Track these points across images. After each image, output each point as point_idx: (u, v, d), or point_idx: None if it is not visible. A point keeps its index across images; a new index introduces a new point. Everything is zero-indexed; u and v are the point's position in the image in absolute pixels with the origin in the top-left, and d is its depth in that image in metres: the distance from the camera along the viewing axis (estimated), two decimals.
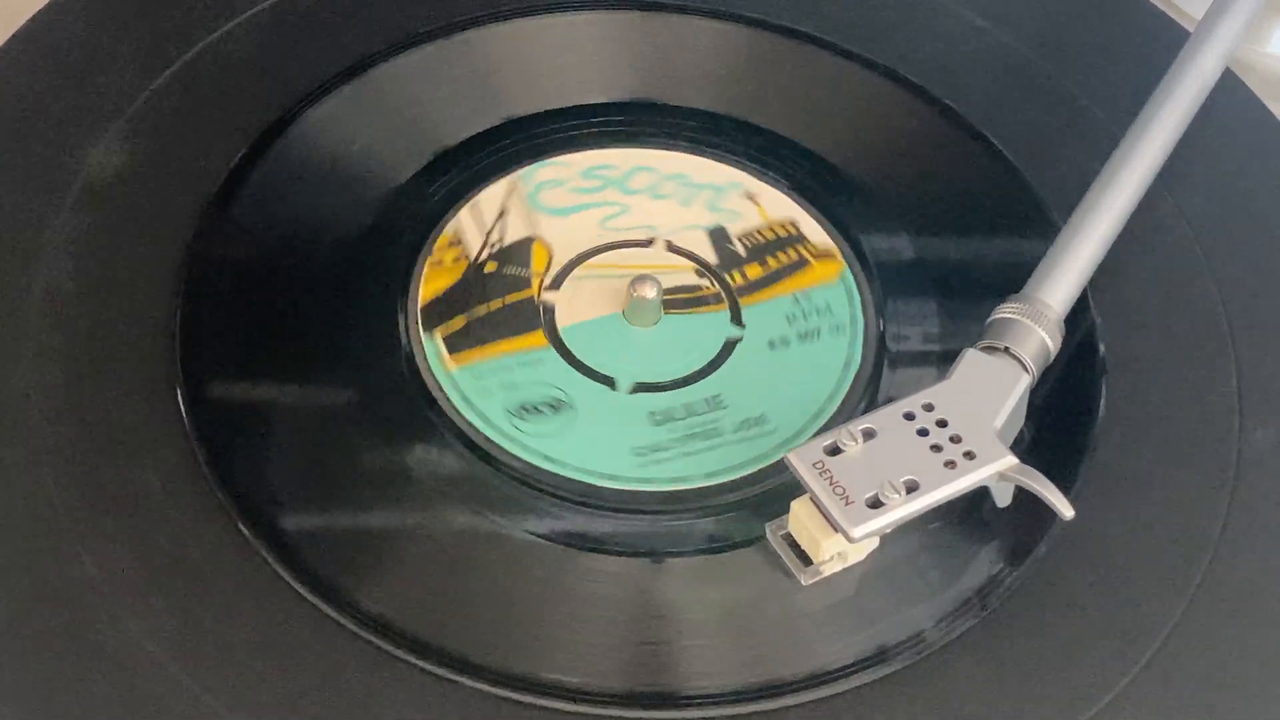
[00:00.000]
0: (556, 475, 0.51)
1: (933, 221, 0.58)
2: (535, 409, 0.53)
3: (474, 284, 0.56)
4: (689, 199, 0.58)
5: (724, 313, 0.55)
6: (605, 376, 0.54)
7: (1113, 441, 0.52)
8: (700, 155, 0.60)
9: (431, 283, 0.55)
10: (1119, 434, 0.52)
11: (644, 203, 0.58)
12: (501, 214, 0.58)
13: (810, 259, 0.56)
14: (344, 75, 0.59)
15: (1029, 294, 0.52)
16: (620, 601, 0.48)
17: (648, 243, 0.57)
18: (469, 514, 0.49)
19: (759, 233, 0.57)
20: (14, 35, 0.59)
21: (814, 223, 0.58)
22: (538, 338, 0.55)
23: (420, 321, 0.54)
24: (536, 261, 0.57)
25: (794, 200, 0.58)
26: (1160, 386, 0.54)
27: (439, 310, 0.55)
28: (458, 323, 0.55)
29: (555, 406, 0.53)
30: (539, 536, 0.49)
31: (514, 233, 0.57)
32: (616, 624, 0.48)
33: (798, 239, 0.57)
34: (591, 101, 0.61)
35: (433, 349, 0.54)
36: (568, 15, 0.62)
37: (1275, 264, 0.57)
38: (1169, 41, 0.61)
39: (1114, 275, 0.55)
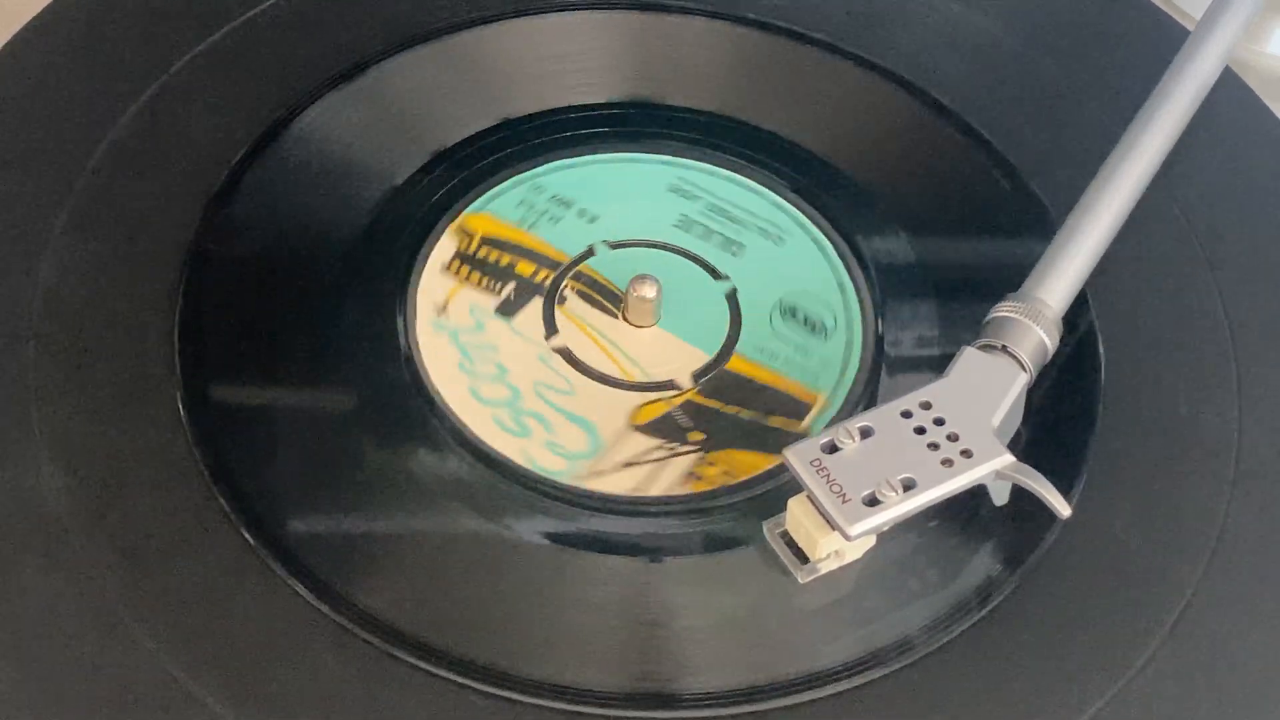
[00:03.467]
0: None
1: (931, 221, 0.58)
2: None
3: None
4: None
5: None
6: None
7: (1112, 441, 0.52)
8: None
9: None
10: (1118, 434, 0.52)
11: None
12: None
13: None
14: (344, 75, 0.59)
15: (1027, 292, 0.52)
16: (620, 601, 0.48)
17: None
18: (469, 514, 0.49)
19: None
20: (14, 36, 0.59)
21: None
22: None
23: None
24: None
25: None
26: (1160, 386, 0.53)
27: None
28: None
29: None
30: (539, 536, 0.49)
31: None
32: (616, 624, 0.48)
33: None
34: (591, 101, 0.61)
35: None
36: (567, 15, 0.62)
37: (1275, 264, 0.57)
38: (1169, 41, 0.61)
39: (1113, 275, 0.55)
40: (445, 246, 0.56)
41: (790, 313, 0.56)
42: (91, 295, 0.52)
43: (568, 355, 0.54)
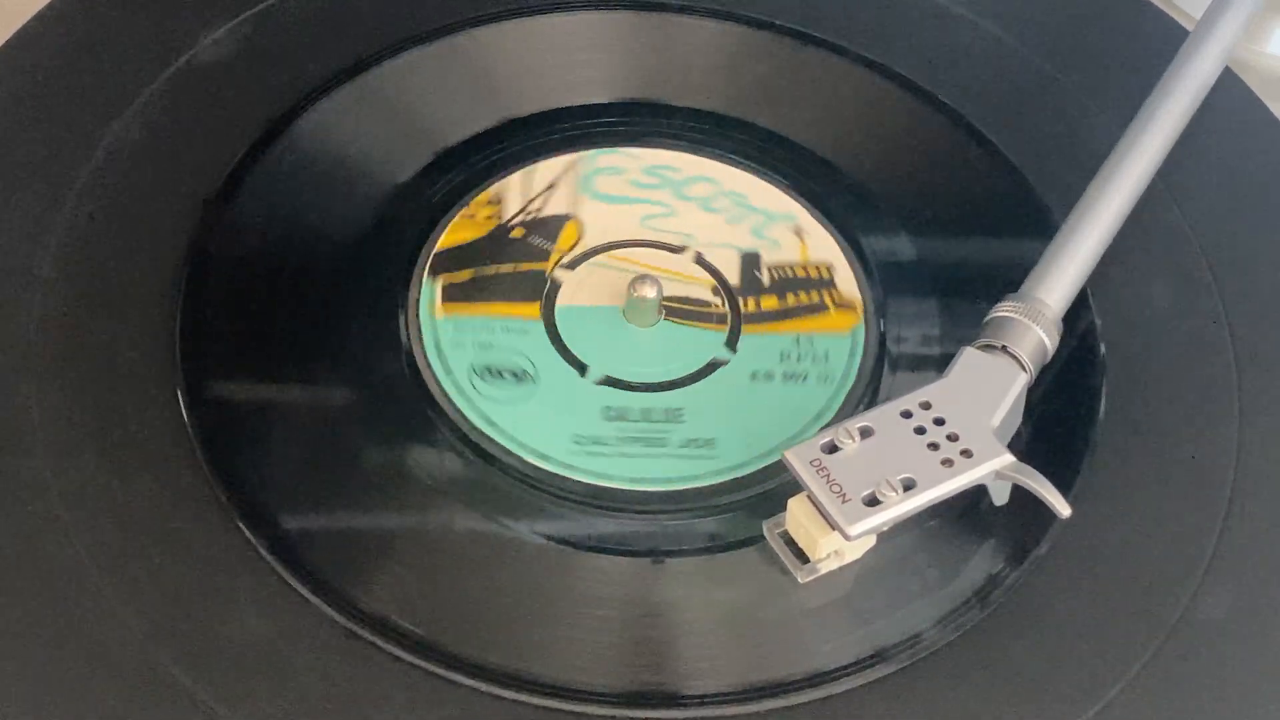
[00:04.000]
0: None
1: (933, 221, 0.58)
2: (499, 373, 0.53)
3: (495, 244, 0.56)
4: (738, 219, 0.58)
5: (721, 334, 0.55)
6: (579, 362, 0.54)
7: (1112, 441, 0.52)
8: (766, 180, 0.59)
9: (456, 233, 0.56)
10: (1119, 434, 0.52)
11: (692, 211, 0.58)
12: (550, 186, 0.58)
13: (830, 306, 0.56)
14: (344, 75, 0.59)
15: (1027, 292, 0.52)
16: (620, 601, 0.48)
17: (679, 249, 0.57)
18: (470, 514, 0.49)
19: (791, 268, 0.57)
20: (14, 35, 0.59)
21: (850, 273, 0.57)
22: (532, 309, 0.55)
23: (429, 264, 0.55)
24: (564, 239, 0.57)
25: (840, 246, 0.57)
26: (1160, 386, 0.54)
27: (451, 259, 0.56)
28: (463, 275, 0.55)
29: (519, 376, 0.53)
30: (539, 536, 0.49)
31: (554, 207, 0.58)
32: (616, 624, 0.48)
33: (826, 284, 0.56)
34: (591, 101, 0.61)
35: (429, 293, 0.55)
36: (567, 15, 0.62)
37: (1275, 263, 0.57)
38: (1168, 40, 0.61)
39: (1114, 275, 0.55)
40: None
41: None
42: (92, 295, 0.52)
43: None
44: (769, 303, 0.56)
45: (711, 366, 0.54)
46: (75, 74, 0.58)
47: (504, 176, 0.58)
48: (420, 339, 0.54)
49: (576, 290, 0.56)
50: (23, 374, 0.50)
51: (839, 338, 0.55)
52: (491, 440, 0.51)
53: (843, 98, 0.61)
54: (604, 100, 0.61)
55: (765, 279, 0.56)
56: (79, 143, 0.56)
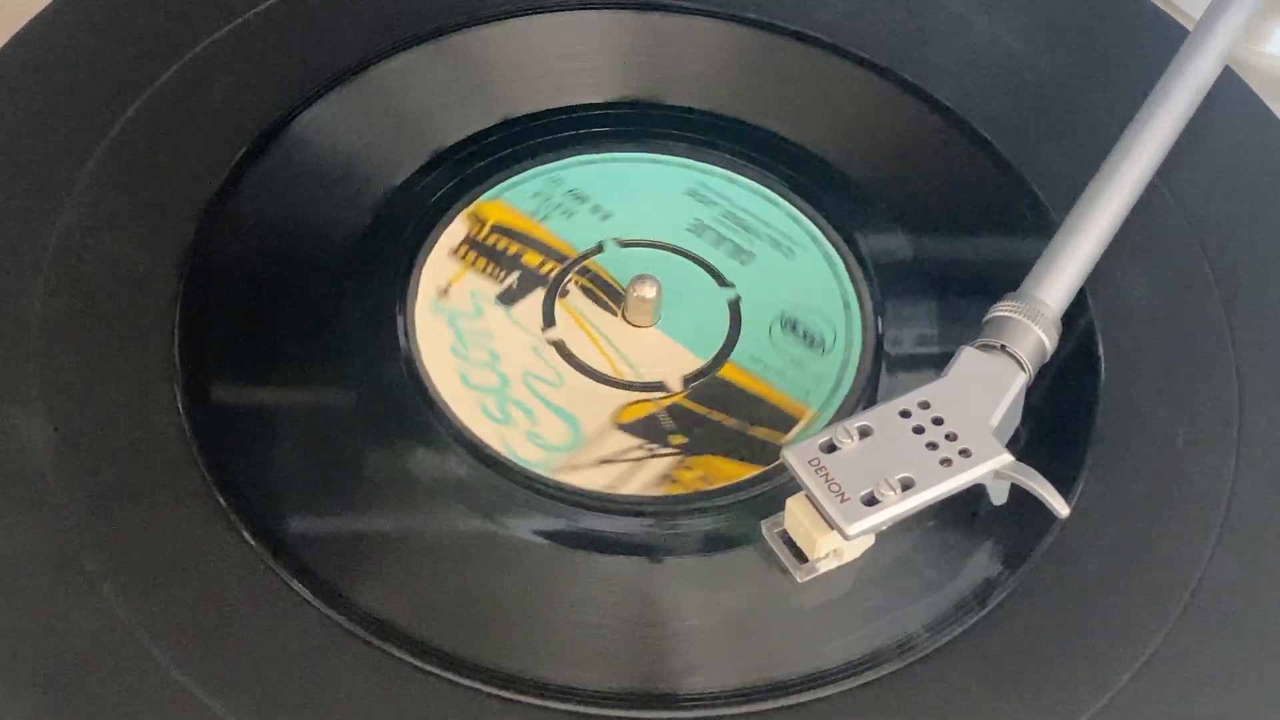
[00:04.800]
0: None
1: (931, 221, 0.58)
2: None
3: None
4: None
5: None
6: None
7: (1111, 441, 0.52)
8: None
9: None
10: (1117, 434, 0.52)
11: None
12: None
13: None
14: (344, 75, 0.59)
15: (1026, 292, 0.52)
16: (619, 602, 0.48)
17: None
18: (469, 514, 0.49)
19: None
20: (15, 35, 0.59)
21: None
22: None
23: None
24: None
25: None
26: (1159, 385, 0.53)
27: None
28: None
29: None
30: (539, 537, 0.49)
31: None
32: (616, 624, 0.48)
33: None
34: (591, 101, 0.61)
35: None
36: (567, 15, 0.62)
37: (1275, 263, 0.57)
38: (1168, 40, 0.61)
39: (1113, 274, 0.55)
40: (456, 231, 0.57)
41: (790, 325, 0.55)
42: (92, 295, 0.53)
43: (561, 348, 0.54)
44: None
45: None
46: (75, 74, 0.58)
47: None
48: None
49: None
50: (23, 373, 0.50)
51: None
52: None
53: (842, 98, 0.61)
54: (603, 100, 0.61)
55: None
56: (79, 143, 0.56)
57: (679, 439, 0.52)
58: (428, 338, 0.54)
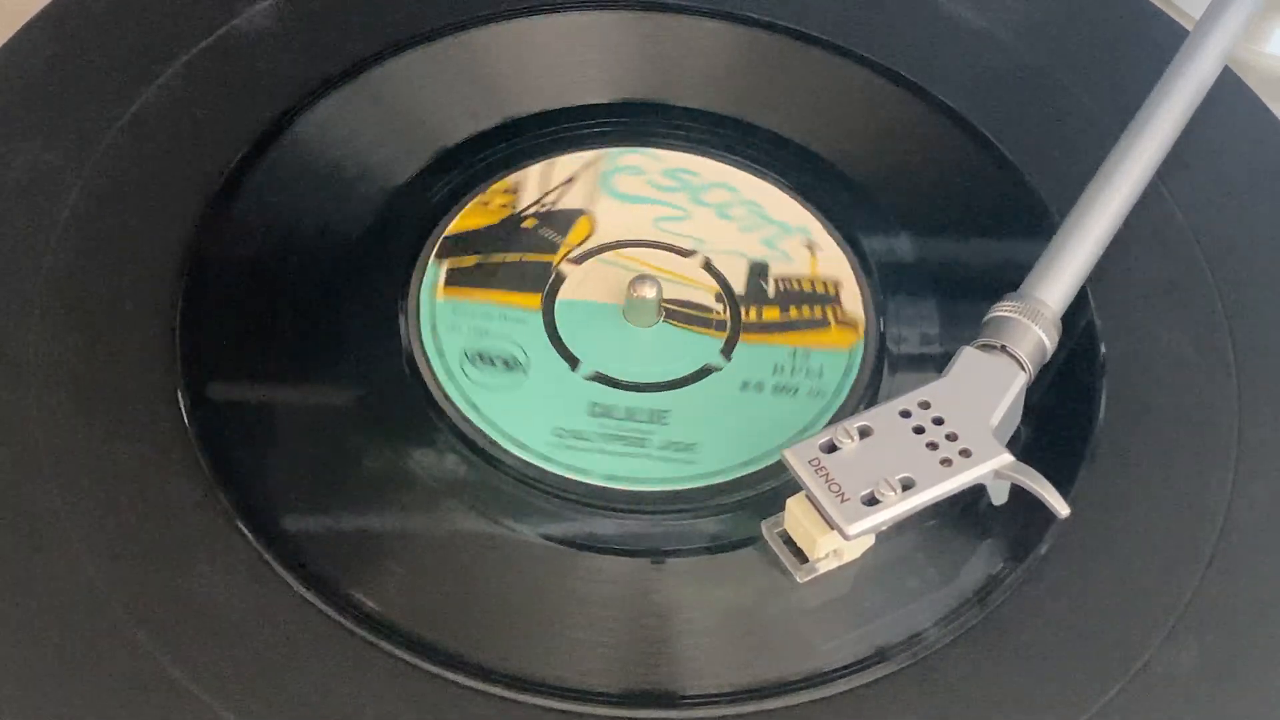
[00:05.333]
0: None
1: (932, 221, 0.58)
2: (490, 360, 0.53)
3: (506, 233, 0.57)
4: (751, 227, 0.58)
5: (719, 340, 0.55)
6: (572, 355, 0.54)
7: (1112, 441, 0.52)
8: (786, 192, 0.59)
9: (469, 218, 0.57)
10: (1118, 434, 0.52)
11: (708, 216, 0.58)
12: (569, 180, 0.58)
13: (832, 322, 0.55)
14: (344, 75, 0.59)
15: (1026, 292, 0.52)
16: (620, 601, 0.48)
17: (688, 253, 0.57)
18: (470, 514, 0.49)
19: (798, 281, 0.56)
20: (15, 35, 0.59)
21: (857, 291, 0.56)
22: (533, 300, 0.55)
23: (437, 247, 0.56)
24: (575, 233, 0.57)
25: (850, 264, 0.57)
26: (1160, 385, 0.53)
27: (460, 244, 0.56)
28: (469, 260, 0.56)
29: (509, 365, 0.53)
30: (539, 536, 0.49)
31: (570, 201, 0.58)
32: (616, 624, 0.48)
33: (831, 300, 0.56)
34: (591, 101, 0.61)
35: (433, 275, 0.55)
36: (568, 15, 0.62)
37: (1275, 263, 0.57)
38: (1168, 40, 0.61)
39: (1114, 274, 0.55)
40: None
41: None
42: (92, 295, 0.53)
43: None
44: (771, 314, 0.56)
45: (704, 372, 0.54)
46: (75, 74, 0.58)
47: (525, 166, 0.59)
48: (418, 323, 0.54)
49: (579, 284, 0.56)
50: (23, 373, 0.50)
51: (836, 354, 0.55)
52: (480, 431, 0.51)
53: (843, 98, 0.61)
54: (604, 100, 0.61)
55: (771, 290, 0.56)
56: (79, 143, 0.56)
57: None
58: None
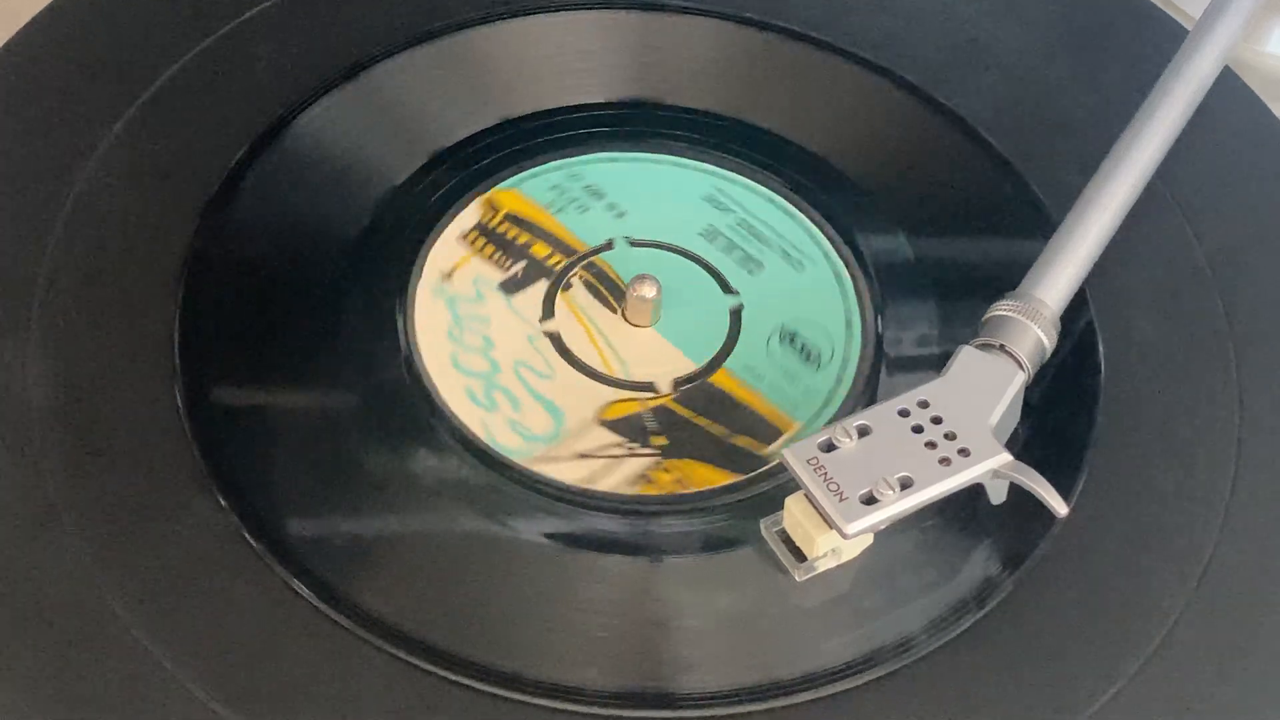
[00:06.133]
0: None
1: (931, 221, 0.58)
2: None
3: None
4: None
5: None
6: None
7: (1112, 441, 0.52)
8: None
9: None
10: (1117, 433, 0.52)
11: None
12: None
13: None
14: (344, 75, 0.59)
15: (1025, 291, 0.52)
16: (619, 601, 0.48)
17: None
18: (469, 515, 0.49)
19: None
20: (14, 36, 0.59)
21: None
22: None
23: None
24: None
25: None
26: (1159, 385, 0.53)
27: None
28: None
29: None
30: (539, 537, 0.49)
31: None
32: (615, 624, 0.48)
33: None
34: (591, 101, 0.61)
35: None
36: (566, 15, 0.62)
37: (1275, 263, 0.57)
38: (1168, 41, 0.61)
39: (1113, 274, 0.55)
40: (469, 216, 0.57)
41: (789, 338, 0.55)
42: (92, 295, 0.53)
43: (557, 341, 0.54)
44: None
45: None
46: (75, 74, 0.58)
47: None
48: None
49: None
50: (22, 374, 0.50)
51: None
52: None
53: (842, 98, 0.61)
54: (602, 100, 0.61)
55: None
56: (79, 143, 0.56)
57: (660, 440, 0.52)
58: (424, 318, 0.54)
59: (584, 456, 0.51)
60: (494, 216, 0.57)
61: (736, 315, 0.56)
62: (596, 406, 0.53)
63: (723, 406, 0.53)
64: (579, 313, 0.55)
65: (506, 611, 0.47)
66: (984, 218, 0.58)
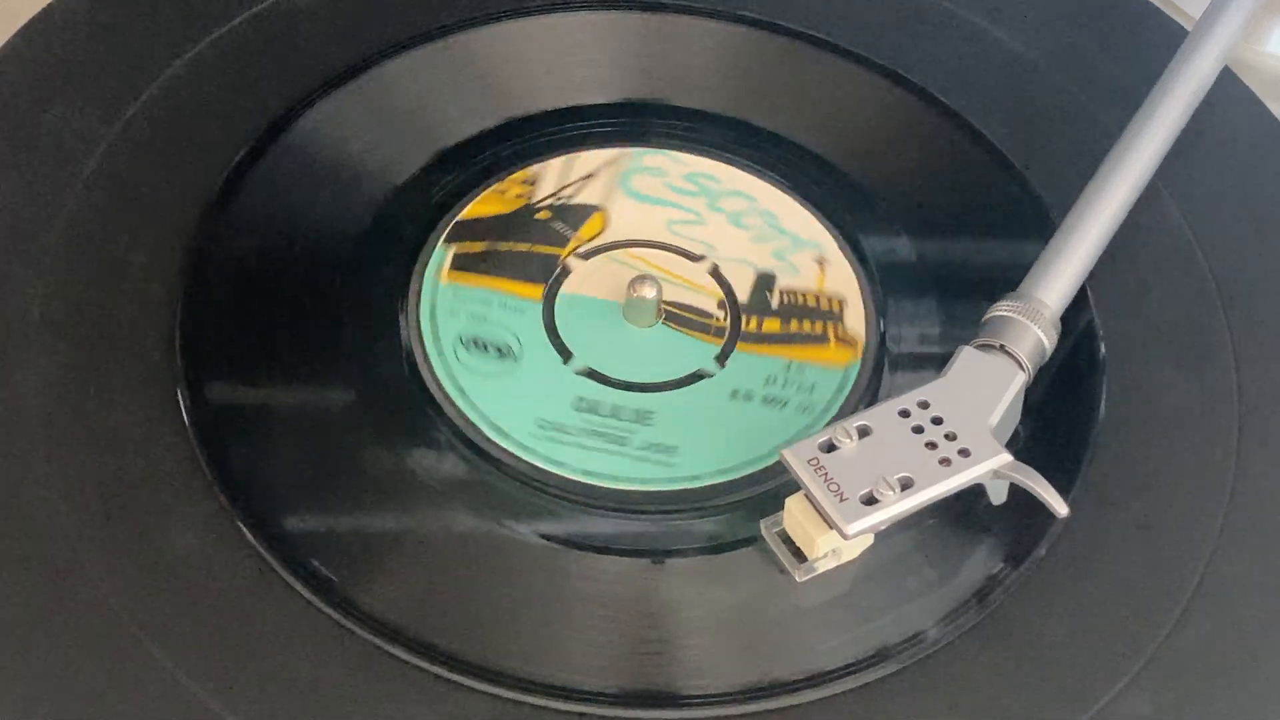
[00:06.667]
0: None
1: (932, 221, 0.58)
2: (484, 346, 0.53)
3: (518, 222, 0.57)
4: (763, 238, 0.58)
5: (714, 347, 0.55)
6: (565, 348, 0.54)
7: (1111, 441, 0.52)
8: (802, 204, 0.59)
9: (483, 205, 0.57)
10: (1117, 434, 0.52)
11: (721, 223, 0.58)
12: (588, 176, 0.58)
13: (831, 339, 0.55)
14: (344, 75, 0.59)
15: (1025, 292, 0.52)
16: (620, 601, 0.48)
17: (697, 258, 0.57)
18: (470, 514, 0.49)
19: (803, 295, 0.56)
20: (15, 35, 0.59)
21: (860, 310, 0.56)
22: (535, 290, 0.55)
23: (447, 231, 0.56)
24: (587, 229, 0.57)
25: (858, 283, 0.57)
26: (1160, 385, 0.53)
27: (470, 230, 0.56)
28: (476, 246, 0.56)
29: (503, 352, 0.53)
30: (539, 537, 0.49)
31: (586, 196, 0.58)
32: (616, 624, 0.48)
33: (834, 317, 0.56)
34: (591, 101, 0.61)
35: (439, 258, 0.56)
36: (567, 15, 0.62)
37: (1275, 263, 0.57)
38: (1168, 40, 0.61)
39: (1113, 274, 0.55)
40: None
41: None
42: (92, 295, 0.53)
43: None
44: (771, 325, 0.56)
45: (695, 376, 0.54)
46: (75, 74, 0.58)
47: (548, 159, 0.59)
48: (418, 304, 0.54)
49: (583, 279, 0.56)
50: (23, 374, 0.50)
51: (830, 371, 0.54)
52: (479, 432, 0.51)
53: (842, 98, 0.61)
54: (603, 100, 0.61)
55: (775, 301, 0.56)
56: (79, 142, 0.56)
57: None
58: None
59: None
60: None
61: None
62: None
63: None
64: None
65: (507, 611, 0.47)
66: (984, 218, 0.58)
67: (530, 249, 0.56)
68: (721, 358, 0.55)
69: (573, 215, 0.57)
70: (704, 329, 0.55)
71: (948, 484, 0.47)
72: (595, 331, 0.55)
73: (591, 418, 0.52)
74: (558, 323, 0.55)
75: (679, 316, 0.55)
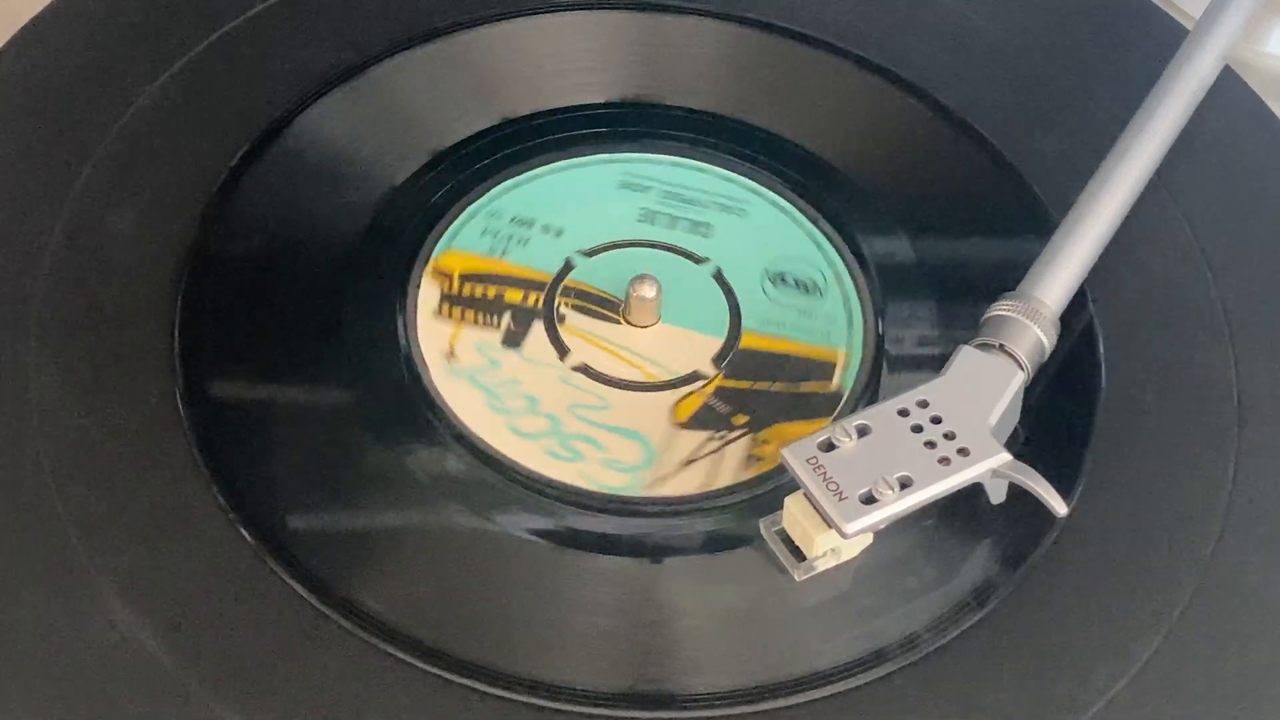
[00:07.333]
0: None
1: (931, 221, 0.58)
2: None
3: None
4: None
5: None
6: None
7: (1112, 441, 0.52)
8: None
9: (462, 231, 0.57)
10: (1118, 434, 0.52)
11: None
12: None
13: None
14: (344, 75, 0.59)
15: (1024, 291, 0.52)
16: (619, 601, 0.48)
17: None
18: (469, 514, 0.49)
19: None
20: (15, 36, 0.59)
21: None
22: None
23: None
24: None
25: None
26: (1159, 385, 0.53)
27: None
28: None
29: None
30: (539, 537, 0.49)
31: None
32: (615, 624, 0.48)
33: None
34: (591, 101, 0.61)
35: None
36: (566, 15, 0.62)
37: (1275, 263, 0.57)
38: (1168, 40, 0.61)
39: (1113, 273, 0.55)
40: (429, 293, 0.55)
41: (779, 279, 0.56)
42: (92, 295, 0.53)
43: (588, 371, 0.54)
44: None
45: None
46: (75, 75, 0.58)
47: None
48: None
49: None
50: (22, 373, 0.50)
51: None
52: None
53: (841, 97, 0.61)
54: (602, 101, 0.61)
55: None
56: (79, 143, 0.56)
57: (741, 418, 0.53)
58: (458, 402, 0.53)
59: (689, 462, 0.52)
60: (451, 284, 0.56)
61: (721, 279, 0.56)
62: (666, 413, 0.53)
63: (769, 364, 0.54)
64: (588, 337, 0.55)
65: (507, 612, 0.47)
66: (984, 218, 0.58)
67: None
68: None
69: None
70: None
71: (947, 483, 0.47)
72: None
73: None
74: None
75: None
